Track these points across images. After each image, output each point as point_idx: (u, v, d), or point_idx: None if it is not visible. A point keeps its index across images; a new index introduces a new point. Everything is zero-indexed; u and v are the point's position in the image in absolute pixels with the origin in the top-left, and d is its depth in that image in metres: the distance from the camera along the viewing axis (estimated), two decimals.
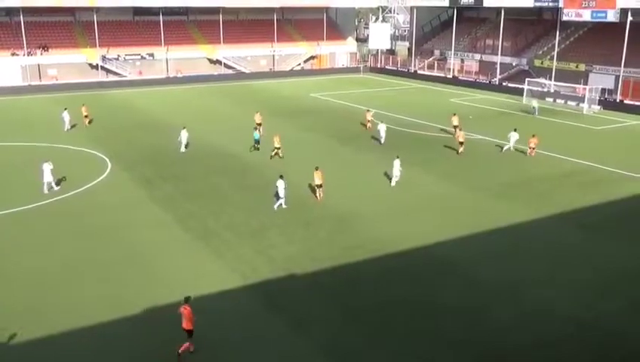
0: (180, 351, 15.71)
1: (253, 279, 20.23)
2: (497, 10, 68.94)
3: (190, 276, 20.31)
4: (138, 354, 16.09)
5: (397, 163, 30.20)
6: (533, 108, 51.14)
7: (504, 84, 65.76)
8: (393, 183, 30.34)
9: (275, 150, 35.20)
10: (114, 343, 16.54)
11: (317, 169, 27.96)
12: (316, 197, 28.08)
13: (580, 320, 17.78)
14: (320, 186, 27.90)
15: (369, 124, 43.48)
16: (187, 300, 16.03)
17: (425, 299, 19.03)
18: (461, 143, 36.71)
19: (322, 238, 23.77)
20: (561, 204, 27.67)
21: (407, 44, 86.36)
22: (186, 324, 15.80)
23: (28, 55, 65.74)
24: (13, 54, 65.53)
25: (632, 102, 53.26)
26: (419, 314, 18.18)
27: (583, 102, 53.48)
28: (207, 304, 17.89)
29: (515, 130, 37.24)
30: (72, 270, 20.79)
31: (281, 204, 26.75)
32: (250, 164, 34.32)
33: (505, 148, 37.41)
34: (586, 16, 57.68)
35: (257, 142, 37.26)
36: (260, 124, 41.85)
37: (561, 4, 59.59)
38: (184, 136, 37.08)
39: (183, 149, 36.89)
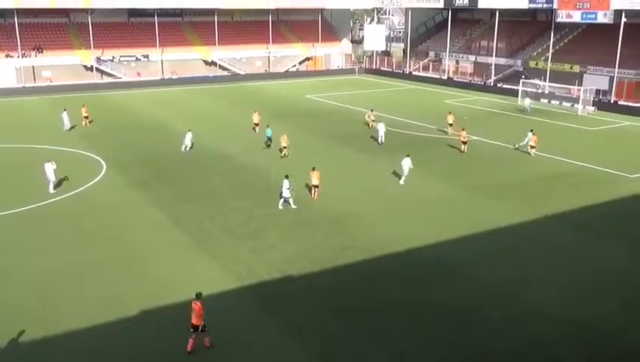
0: (207, 345, 16.04)
1: (250, 281, 20.21)
2: (492, 11, 69.16)
3: (186, 277, 20.26)
4: (137, 354, 16.08)
5: (407, 161, 30.46)
6: (529, 106, 52.74)
7: (499, 85, 65.97)
8: (402, 181, 30.67)
9: (283, 149, 35.87)
10: (113, 344, 16.54)
11: (314, 169, 28.07)
12: (312, 196, 28.13)
13: (578, 321, 17.81)
14: (316, 187, 27.99)
15: (372, 124, 43.83)
16: (199, 296, 16.15)
17: (422, 300, 19.05)
18: (464, 143, 36.91)
19: (319, 239, 23.76)
20: (558, 205, 27.76)
21: (402, 45, 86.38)
22: (195, 320, 15.92)
23: (22, 56, 65.57)
24: (7, 56, 65.34)
25: (626, 103, 53.57)
26: (416, 315, 18.20)
27: (578, 103, 53.73)
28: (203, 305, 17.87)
29: (531, 131, 37.58)
30: (71, 272, 20.75)
31: (287, 203, 26.85)
32: (246, 165, 34.30)
33: (520, 145, 37.78)
34: (577, 17, 58.11)
35: (270, 139, 37.92)
36: (257, 124, 42.36)
37: (555, 6, 59.89)
38: (188, 137, 37.26)
39: (185, 150, 36.88)
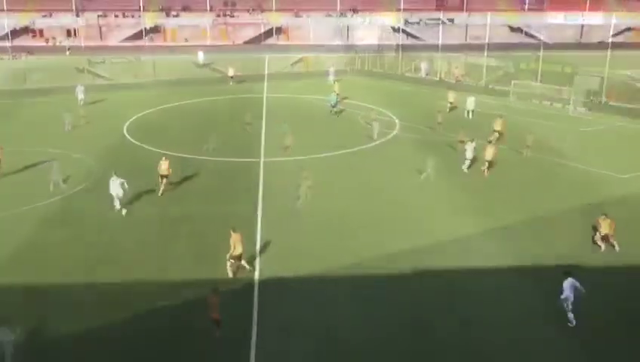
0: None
1: (243, 282, 20.28)
2: (484, 12, 69.54)
3: (181, 280, 20.29)
4: (138, 356, 16.06)
5: (429, 160, 31.26)
6: (512, 102, 55.66)
7: (490, 86, 66.27)
8: (423, 177, 31.59)
9: (287, 148, 36.64)
10: (114, 346, 16.55)
11: (304, 169, 28.30)
12: (302, 196, 28.26)
13: (572, 322, 17.97)
14: (308, 187, 28.12)
15: (373, 123, 43.96)
16: (215, 291, 16.48)
17: (419, 301, 19.15)
18: (462, 142, 36.92)
19: (313, 240, 23.84)
20: (552, 205, 27.99)
21: (394, 46, 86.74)
22: (213, 314, 16.31)
23: (13, 59, 65.20)
24: None
25: (616, 104, 54.02)
26: (414, 316, 18.30)
27: (569, 103, 54.10)
28: (196, 309, 17.92)
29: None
30: (67, 275, 20.79)
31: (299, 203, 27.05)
32: (241, 167, 34.31)
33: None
34: (560, 18, 58.87)
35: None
36: (249, 123, 42.69)
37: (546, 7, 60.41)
38: (212, 139, 37.66)
39: (208, 150, 37.18)
